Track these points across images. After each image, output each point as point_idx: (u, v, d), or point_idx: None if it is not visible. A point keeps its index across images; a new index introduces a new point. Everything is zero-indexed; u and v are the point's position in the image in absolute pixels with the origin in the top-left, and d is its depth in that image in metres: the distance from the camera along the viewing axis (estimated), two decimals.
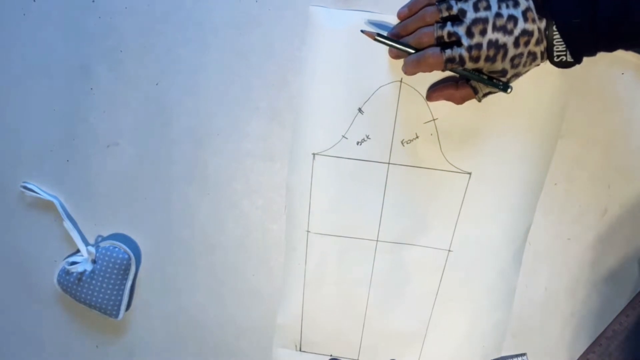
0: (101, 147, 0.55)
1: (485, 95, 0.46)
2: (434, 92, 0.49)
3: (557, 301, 0.57)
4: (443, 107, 0.50)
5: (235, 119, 0.53)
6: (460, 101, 0.48)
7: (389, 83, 0.50)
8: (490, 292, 0.56)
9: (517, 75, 0.45)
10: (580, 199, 0.54)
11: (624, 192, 0.54)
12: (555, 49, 0.42)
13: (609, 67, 0.50)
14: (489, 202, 0.53)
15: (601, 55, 0.49)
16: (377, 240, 0.55)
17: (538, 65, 0.44)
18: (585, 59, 0.43)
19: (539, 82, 0.49)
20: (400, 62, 0.47)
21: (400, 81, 0.50)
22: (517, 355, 0.59)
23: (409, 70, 0.45)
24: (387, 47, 0.47)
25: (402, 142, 0.52)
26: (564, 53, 0.42)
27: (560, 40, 0.41)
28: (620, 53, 0.49)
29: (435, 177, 0.53)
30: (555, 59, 0.42)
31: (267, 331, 0.60)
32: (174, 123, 0.54)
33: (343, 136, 0.52)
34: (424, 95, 0.50)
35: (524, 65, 0.43)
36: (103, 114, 0.54)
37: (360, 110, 0.51)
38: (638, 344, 0.57)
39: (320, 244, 0.56)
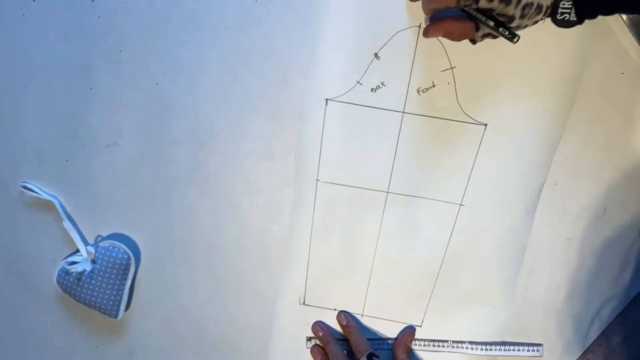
0: (101, 147, 0.55)
1: (484, 36, 0.45)
2: (433, 26, 0.46)
3: (557, 301, 0.57)
4: (462, 55, 0.49)
5: (235, 119, 0.53)
6: (459, 37, 0.45)
7: (407, 28, 0.48)
8: (500, 249, 0.55)
9: (519, 27, 0.43)
10: (580, 199, 0.54)
11: (624, 192, 0.54)
12: (561, 4, 0.42)
13: (609, 67, 0.50)
14: (504, 155, 0.52)
15: (601, 55, 0.49)
16: (387, 192, 0.54)
17: (536, 22, 0.43)
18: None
19: (561, 36, 0.47)
20: (419, 5, 0.46)
21: (419, 26, 0.48)
22: (532, 344, 0.58)
23: (424, 5, 0.44)
24: None
25: (417, 91, 0.50)
26: (568, 11, 0.42)
27: None
28: (619, 52, 0.49)
29: (450, 127, 0.51)
30: (559, 16, 0.42)
31: (267, 331, 0.60)
32: (174, 123, 0.54)
33: (358, 82, 0.50)
34: (443, 41, 0.48)
35: (529, 18, 0.42)
36: (103, 114, 0.54)
37: (376, 55, 0.49)
38: (638, 344, 0.57)
39: (329, 193, 0.54)
